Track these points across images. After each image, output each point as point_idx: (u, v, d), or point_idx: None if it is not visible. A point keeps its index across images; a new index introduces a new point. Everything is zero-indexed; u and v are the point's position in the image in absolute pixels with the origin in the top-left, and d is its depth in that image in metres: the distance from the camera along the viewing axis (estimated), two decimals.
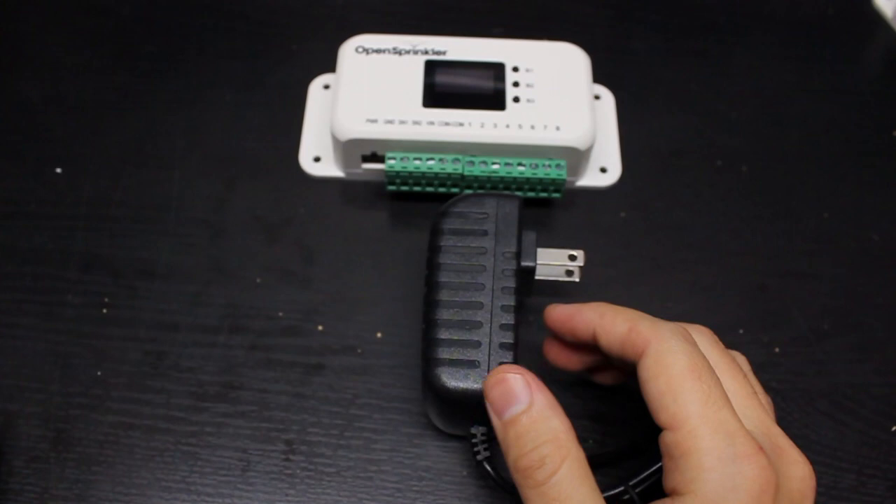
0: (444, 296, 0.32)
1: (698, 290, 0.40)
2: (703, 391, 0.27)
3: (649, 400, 0.28)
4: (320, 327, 0.38)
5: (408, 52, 0.42)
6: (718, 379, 0.28)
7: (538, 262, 0.34)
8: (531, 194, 0.41)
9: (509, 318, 0.31)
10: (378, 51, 0.42)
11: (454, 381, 0.30)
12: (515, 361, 0.31)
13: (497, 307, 0.31)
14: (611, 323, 0.30)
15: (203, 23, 0.49)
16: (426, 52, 0.42)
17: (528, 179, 0.40)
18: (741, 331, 0.38)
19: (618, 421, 0.36)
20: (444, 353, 0.31)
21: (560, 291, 0.36)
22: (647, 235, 0.41)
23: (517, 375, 0.28)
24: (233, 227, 0.41)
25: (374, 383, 0.37)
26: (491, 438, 0.32)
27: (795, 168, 0.44)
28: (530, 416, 0.27)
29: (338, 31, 0.45)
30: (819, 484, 0.34)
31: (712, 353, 0.30)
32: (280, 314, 0.38)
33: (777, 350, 0.38)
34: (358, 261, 0.40)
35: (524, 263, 0.33)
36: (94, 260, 0.40)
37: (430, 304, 0.32)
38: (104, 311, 0.38)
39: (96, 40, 0.48)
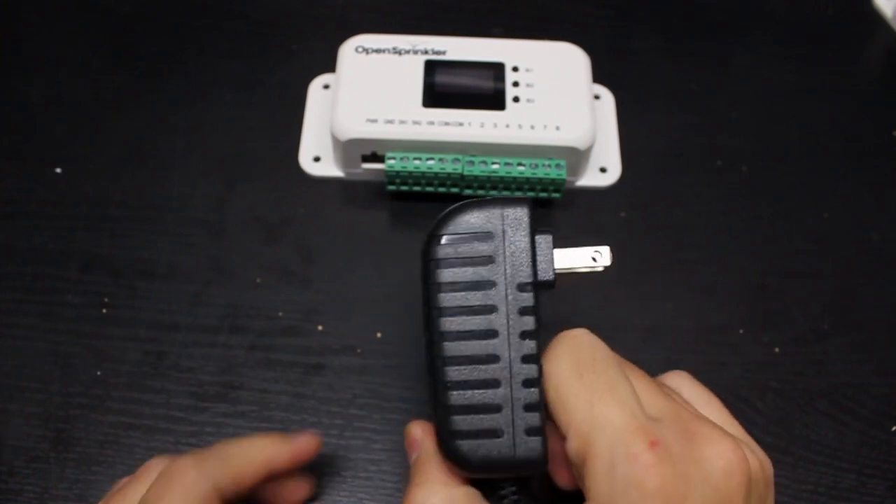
0: (449, 350, 0.27)
1: (698, 290, 0.40)
2: (587, 390, 0.26)
3: (552, 415, 0.27)
4: (320, 327, 0.38)
5: (408, 52, 0.42)
6: (613, 368, 0.27)
7: (556, 268, 0.28)
8: (531, 194, 0.41)
9: (532, 371, 0.26)
10: (378, 51, 0.42)
11: (477, 453, 0.27)
12: (544, 423, 0.27)
13: (517, 359, 0.27)
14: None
15: (203, 23, 0.49)
16: (426, 52, 0.42)
17: (527, 179, 0.40)
18: (741, 331, 0.38)
19: None
20: (461, 424, 0.27)
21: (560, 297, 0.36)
22: (647, 235, 0.41)
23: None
24: (233, 227, 0.41)
25: (374, 383, 0.37)
26: (520, 496, 0.30)
27: (795, 168, 0.44)
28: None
29: (338, 31, 0.45)
30: (819, 484, 0.35)
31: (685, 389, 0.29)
32: (280, 314, 0.38)
33: (777, 350, 0.38)
34: (358, 261, 0.40)
35: (542, 279, 0.28)
36: (94, 260, 0.40)
37: (434, 358, 0.27)
38: (104, 311, 0.38)
39: (96, 40, 0.48)
